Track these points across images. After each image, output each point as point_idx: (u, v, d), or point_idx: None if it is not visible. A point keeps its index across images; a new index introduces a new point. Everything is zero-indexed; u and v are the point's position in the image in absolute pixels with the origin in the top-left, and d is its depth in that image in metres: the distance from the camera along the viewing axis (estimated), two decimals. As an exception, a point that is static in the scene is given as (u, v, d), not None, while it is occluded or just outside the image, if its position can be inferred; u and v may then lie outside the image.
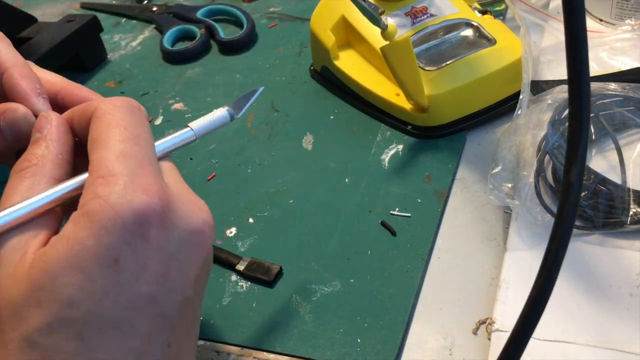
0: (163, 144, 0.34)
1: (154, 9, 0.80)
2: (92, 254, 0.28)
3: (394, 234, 0.47)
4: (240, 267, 0.47)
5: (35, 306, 0.28)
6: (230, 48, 0.72)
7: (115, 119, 0.31)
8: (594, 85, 0.51)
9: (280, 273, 0.46)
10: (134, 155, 0.30)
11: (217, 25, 0.74)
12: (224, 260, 0.48)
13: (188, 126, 0.35)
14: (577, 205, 0.27)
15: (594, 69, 0.58)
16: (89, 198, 0.29)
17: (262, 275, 0.46)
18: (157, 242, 0.29)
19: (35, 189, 0.31)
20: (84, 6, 0.85)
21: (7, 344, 0.28)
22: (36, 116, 0.34)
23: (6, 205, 0.30)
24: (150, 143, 0.32)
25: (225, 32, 0.73)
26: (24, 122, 0.34)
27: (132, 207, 0.28)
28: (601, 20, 0.65)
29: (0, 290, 0.29)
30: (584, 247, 0.44)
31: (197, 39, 0.72)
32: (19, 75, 0.35)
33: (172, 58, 0.72)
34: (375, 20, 0.50)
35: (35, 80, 0.35)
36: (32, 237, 0.30)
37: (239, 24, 0.74)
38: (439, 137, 0.55)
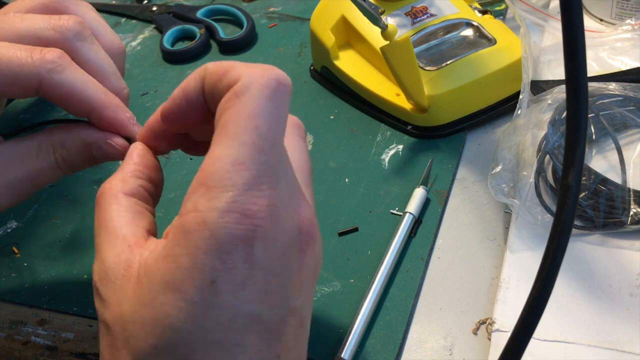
0: None
1: (154, 8, 0.80)
2: (187, 274, 0.26)
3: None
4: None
5: (141, 325, 0.27)
6: (230, 48, 0.71)
7: (250, 107, 0.28)
8: (594, 85, 0.51)
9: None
10: (252, 164, 0.27)
11: (217, 25, 0.74)
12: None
13: None
14: (575, 209, 0.27)
15: (594, 69, 0.58)
16: (189, 209, 0.27)
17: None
18: (258, 261, 0.27)
19: (123, 205, 0.32)
20: (84, 6, 0.85)
21: None
22: (127, 139, 0.38)
23: (107, 224, 0.31)
24: (280, 142, 0.29)
25: (225, 32, 0.73)
26: (117, 155, 0.38)
27: (230, 232, 0.26)
28: (601, 20, 0.65)
29: (111, 305, 0.29)
30: (584, 247, 0.44)
31: (197, 39, 0.72)
32: (113, 110, 0.37)
33: (172, 58, 0.72)
34: (375, 20, 0.50)
35: (125, 109, 0.38)
36: (133, 245, 0.30)
37: (239, 24, 0.74)
38: (439, 137, 0.55)
